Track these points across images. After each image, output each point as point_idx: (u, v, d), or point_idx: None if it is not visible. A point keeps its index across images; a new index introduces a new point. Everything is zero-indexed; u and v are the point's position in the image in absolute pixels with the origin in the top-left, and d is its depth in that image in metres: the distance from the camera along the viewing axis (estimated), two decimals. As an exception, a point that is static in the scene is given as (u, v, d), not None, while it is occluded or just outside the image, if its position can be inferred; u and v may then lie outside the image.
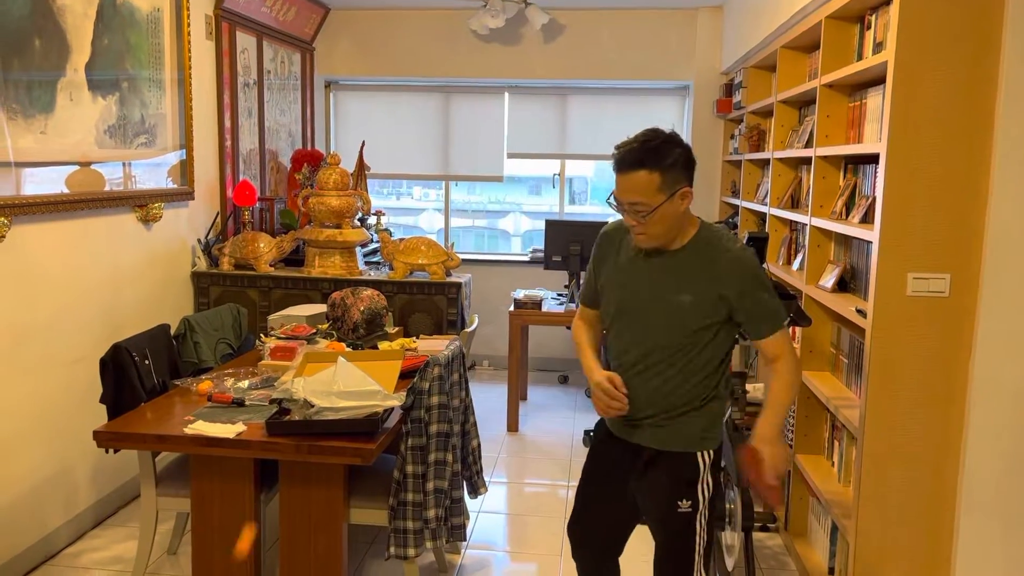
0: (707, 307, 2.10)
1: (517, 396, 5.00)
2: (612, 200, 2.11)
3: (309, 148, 5.77)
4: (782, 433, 2.10)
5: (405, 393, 2.78)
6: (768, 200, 4.09)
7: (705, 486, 2.16)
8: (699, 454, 2.16)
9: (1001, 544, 2.46)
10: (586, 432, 4.80)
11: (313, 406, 2.63)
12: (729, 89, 5.52)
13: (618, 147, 2.07)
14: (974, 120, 2.38)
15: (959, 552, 2.48)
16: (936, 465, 2.52)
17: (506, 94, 6.24)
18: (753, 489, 2.17)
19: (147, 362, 3.08)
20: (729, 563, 3.04)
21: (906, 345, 2.49)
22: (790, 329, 3.70)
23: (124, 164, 3.68)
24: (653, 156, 2.02)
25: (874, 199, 2.65)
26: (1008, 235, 2.36)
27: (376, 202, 5.55)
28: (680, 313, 2.11)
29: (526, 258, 6.35)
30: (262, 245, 4.54)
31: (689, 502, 2.15)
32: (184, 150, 4.16)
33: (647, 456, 2.20)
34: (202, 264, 4.47)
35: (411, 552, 2.79)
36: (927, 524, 2.56)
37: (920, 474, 2.54)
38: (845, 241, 3.15)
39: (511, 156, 6.31)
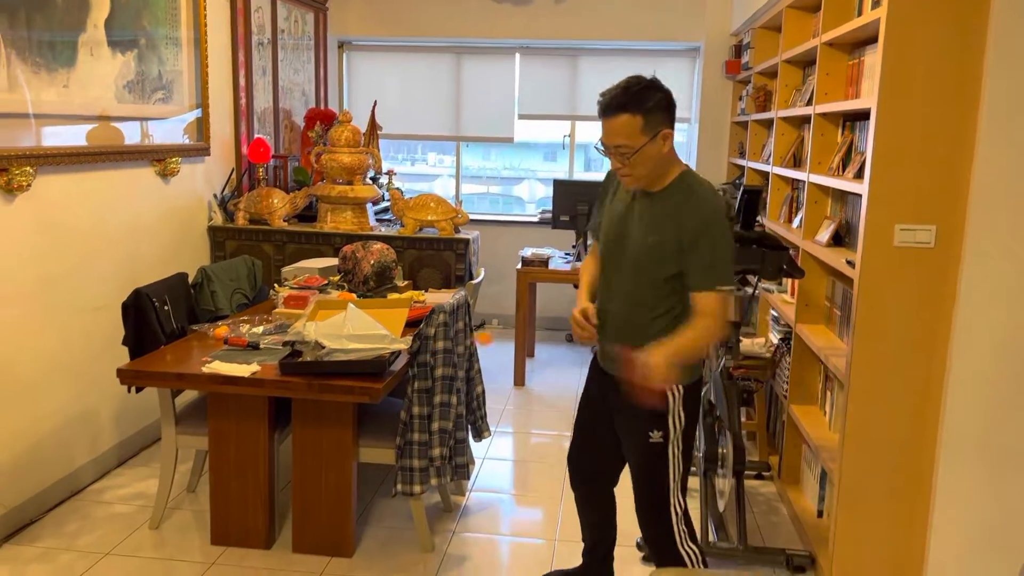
0: (667, 249, 2.21)
1: (524, 352, 5.12)
2: (599, 145, 2.23)
3: (323, 108, 5.87)
4: (665, 359, 2.11)
5: (412, 338, 2.91)
6: (771, 159, 4.16)
7: (676, 418, 2.28)
8: (669, 389, 2.27)
9: (979, 484, 2.57)
10: (590, 386, 4.93)
11: (324, 348, 2.76)
12: (738, 50, 5.55)
13: (603, 94, 2.20)
14: (962, 76, 2.44)
15: (938, 491, 2.59)
16: (918, 409, 2.63)
17: (517, 55, 6.30)
18: (627, 386, 2.20)
19: (166, 308, 3.22)
20: (721, 505, 3.17)
21: (892, 294, 2.58)
22: (789, 282, 3.80)
23: (142, 119, 3.80)
24: (635, 100, 2.14)
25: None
26: (992, 188, 2.44)
27: (391, 167, 5.66)
28: (646, 253, 2.23)
29: (535, 219, 6.44)
30: (276, 201, 4.66)
31: (660, 432, 2.28)
32: (200, 107, 4.27)
33: (623, 387, 2.34)
34: (218, 218, 4.60)
35: (417, 489, 2.94)
36: (909, 466, 2.67)
37: (903, 418, 2.65)
38: (841, 197, 3.24)
39: (522, 117, 6.38)
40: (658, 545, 2.40)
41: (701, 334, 2.20)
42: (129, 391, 3.18)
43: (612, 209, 2.39)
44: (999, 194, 2.44)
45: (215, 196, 4.60)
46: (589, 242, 2.60)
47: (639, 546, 3.07)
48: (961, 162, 2.48)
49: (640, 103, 2.14)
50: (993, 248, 2.47)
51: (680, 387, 2.30)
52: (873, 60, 2.89)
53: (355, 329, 2.81)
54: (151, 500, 3.37)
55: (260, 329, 3.19)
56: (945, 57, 2.45)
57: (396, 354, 2.89)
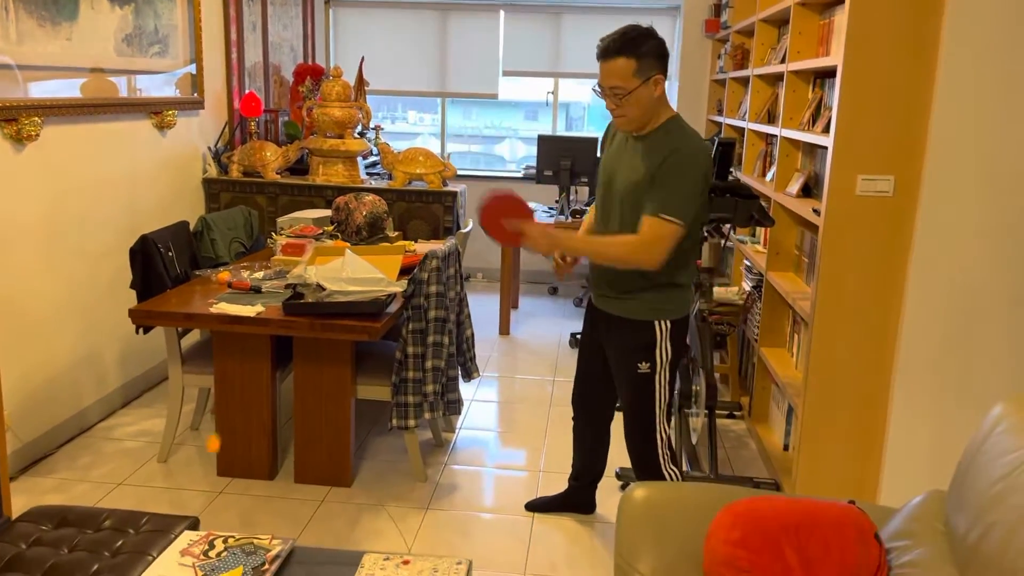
0: (641, 186, 2.38)
1: (509, 303, 5.32)
2: (596, 87, 2.40)
3: (311, 63, 5.96)
4: (557, 243, 2.40)
5: (407, 282, 3.09)
6: (747, 116, 4.34)
7: (663, 351, 2.50)
8: (656, 323, 2.48)
9: (929, 410, 2.81)
10: (572, 335, 5.15)
11: (324, 289, 2.94)
12: (717, 9, 5.69)
13: (602, 39, 2.37)
14: (922, 36, 2.63)
15: (892, 419, 2.83)
16: (876, 345, 2.86)
17: (501, 12, 6.39)
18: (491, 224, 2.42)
19: (170, 254, 3.38)
20: (694, 439, 3.41)
21: (853, 239, 2.79)
22: (762, 232, 4.01)
23: (140, 73, 3.90)
24: (630, 45, 2.31)
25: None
26: (948, 141, 2.64)
27: (377, 123, 5.78)
28: (629, 192, 2.41)
29: (519, 174, 6.60)
30: (269, 154, 4.78)
31: (648, 364, 2.50)
32: (194, 62, 4.37)
33: (614, 323, 2.55)
34: (213, 171, 4.72)
35: (411, 423, 3.15)
36: (866, 397, 2.91)
37: (861, 353, 2.88)
38: (811, 151, 3.43)
39: (506, 74, 6.50)
40: (643, 465, 2.62)
41: (618, 250, 2.37)
42: (137, 331, 3.34)
43: (607, 155, 2.57)
44: (953, 147, 2.64)
45: (209, 149, 4.72)
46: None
47: (618, 476, 3.31)
48: (919, 117, 2.68)
49: (635, 48, 2.31)
50: (946, 197, 2.68)
51: (668, 322, 2.50)
52: (842, 20, 3.06)
53: (353, 273, 2.98)
54: (157, 437, 3.56)
55: (260, 274, 3.36)
56: (906, 18, 2.63)
57: (392, 296, 3.07)
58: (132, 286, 3.28)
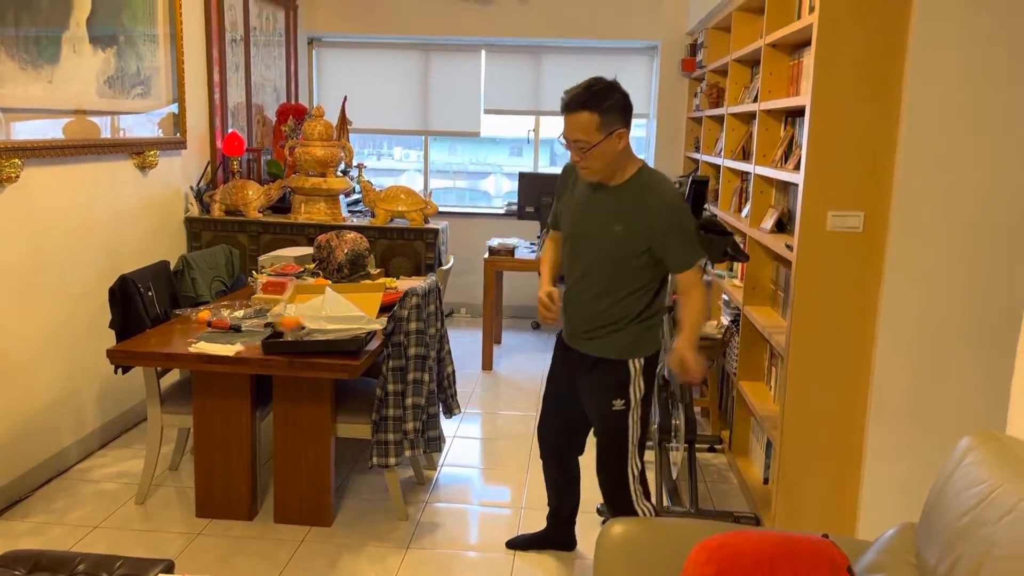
0: (633, 238, 2.45)
1: (492, 338, 5.34)
2: (561, 139, 2.45)
3: (293, 103, 6.02)
4: (692, 348, 2.50)
5: (386, 320, 3.11)
6: (723, 153, 4.42)
7: (636, 388, 2.53)
8: (631, 361, 2.52)
9: (904, 444, 2.84)
10: (555, 370, 5.16)
11: (304, 328, 2.95)
12: (693, 49, 5.82)
13: (566, 92, 2.42)
14: (887, 75, 2.70)
15: (868, 452, 2.86)
16: (850, 379, 2.89)
17: (483, 52, 6.50)
18: (683, 381, 2.58)
19: (150, 293, 3.38)
20: (674, 473, 3.42)
21: (825, 274, 2.84)
22: (739, 267, 4.06)
23: (122, 114, 3.94)
24: (594, 99, 2.36)
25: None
26: (914, 177, 2.70)
27: (360, 161, 5.83)
28: (611, 241, 2.46)
29: (502, 211, 6.66)
30: (251, 192, 4.81)
31: (623, 401, 2.52)
32: (176, 102, 4.42)
33: (588, 363, 2.58)
34: (195, 210, 4.75)
35: (391, 461, 3.14)
36: (843, 429, 2.93)
37: (836, 387, 2.91)
38: (784, 187, 3.49)
39: (488, 112, 6.59)
40: (615, 502, 2.63)
41: (701, 305, 2.53)
42: (116, 371, 3.33)
43: (573, 201, 2.61)
44: (919, 183, 2.71)
45: (191, 188, 4.74)
46: (547, 231, 2.87)
47: (599, 511, 3.31)
48: (886, 154, 2.74)
49: (598, 102, 2.36)
50: (914, 232, 2.73)
51: (641, 359, 2.53)
52: (810, 61, 3.14)
53: (333, 311, 3.00)
54: (135, 478, 3.53)
55: (240, 313, 3.37)
56: (871, 59, 2.70)
57: (372, 334, 3.08)
58: (111, 326, 3.28)
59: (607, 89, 2.38)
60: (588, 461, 2.92)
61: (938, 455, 2.84)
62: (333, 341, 2.93)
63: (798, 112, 3.33)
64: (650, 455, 3.67)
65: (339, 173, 5.25)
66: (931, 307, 2.77)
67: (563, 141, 2.46)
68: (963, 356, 2.79)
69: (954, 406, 2.82)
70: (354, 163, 5.49)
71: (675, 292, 3.71)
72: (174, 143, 4.43)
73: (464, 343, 5.78)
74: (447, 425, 4.25)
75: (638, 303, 2.50)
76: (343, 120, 5.28)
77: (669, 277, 3.40)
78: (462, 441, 4.12)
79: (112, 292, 3.25)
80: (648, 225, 2.43)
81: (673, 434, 3.35)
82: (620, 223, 2.45)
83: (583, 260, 2.55)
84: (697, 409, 4.35)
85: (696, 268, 2.50)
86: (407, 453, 3.16)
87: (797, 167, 3.12)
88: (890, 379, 2.82)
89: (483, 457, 3.94)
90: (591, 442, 2.81)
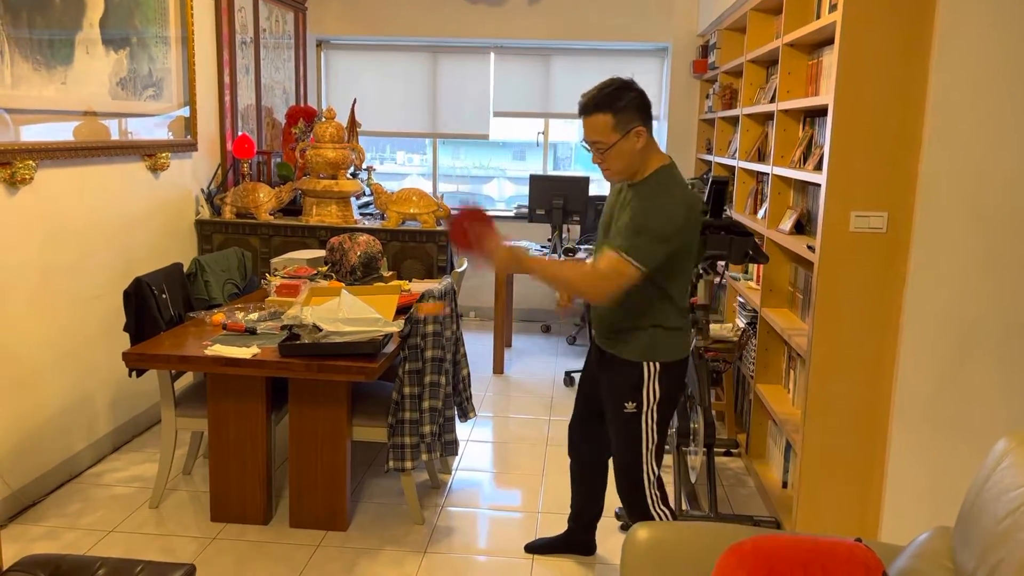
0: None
1: (503, 342, 5.31)
2: (584, 143, 2.43)
3: (303, 105, 6.00)
4: (517, 261, 2.31)
5: (403, 322, 3.08)
6: (737, 154, 4.39)
7: (651, 392, 2.48)
8: (645, 364, 2.47)
9: (928, 447, 2.81)
10: (567, 373, 5.13)
11: (321, 330, 2.93)
12: (705, 50, 5.79)
13: (583, 95, 2.40)
14: (911, 73, 2.67)
15: (892, 456, 2.82)
16: (873, 382, 2.86)
17: (492, 54, 6.47)
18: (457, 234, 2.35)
19: (164, 296, 3.36)
20: (693, 477, 3.39)
21: (848, 275, 2.81)
22: (755, 269, 4.03)
23: (134, 116, 3.92)
24: (608, 100, 2.34)
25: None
26: (938, 177, 2.67)
27: (369, 164, 5.81)
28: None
29: (511, 213, 6.63)
30: (262, 195, 4.79)
31: (634, 404, 2.49)
32: (188, 104, 4.40)
33: (606, 361, 2.56)
34: (205, 212, 4.72)
35: (408, 465, 3.11)
36: (865, 433, 2.90)
37: (859, 390, 2.88)
38: (802, 188, 3.46)
39: (497, 115, 6.56)
40: (632, 506, 2.60)
41: (571, 275, 2.33)
42: (130, 375, 3.31)
43: (608, 202, 2.60)
44: (944, 183, 2.68)
45: (202, 191, 4.72)
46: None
47: (618, 516, 3.27)
48: (910, 154, 2.71)
49: (612, 103, 2.34)
50: (939, 231, 2.70)
51: (657, 364, 2.50)
52: (831, 60, 3.12)
53: (350, 313, 2.97)
54: (149, 483, 3.50)
55: (255, 316, 3.34)
56: (895, 57, 2.68)
57: (389, 336, 3.05)
58: (126, 329, 3.26)
59: (621, 88, 2.36)
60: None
61: (964, 458, 2.80)
62: (351, 343, 2.90)
63: (818, 112, 3.30)
64: (668, 459, 3.64)
65: (349, 175, 5.23)
66: (956, 309, 2.74)
67: (585, 145, 2.44)
68: (989, 358, 2.76)
69: (979, 409, 2.79)
70: (364, 166, 5.47)
71: (692, 295, 3.69)
72: (185, 145, 4.41)
73: (474, 346, 5.75)
74: (461, 429, 4.22)
75: (647, 303, 2.44)
76: (352, 122, 5.26)
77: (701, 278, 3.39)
78: (475, 445, 4.08)
79: (127, 295, 3.22)
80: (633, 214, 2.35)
81: (692, 438, 3.32)
82: (624, 220, 2.42)
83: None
84: (713, 413, 4.31)
85: (616, 258, 2.29)
86: (424, 457, 3.13)
87: (817, 167, 3.09)
88: (914, 381, 2.79)
89: (496, 461, 3.91)
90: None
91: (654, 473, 2.58)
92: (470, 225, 2.33)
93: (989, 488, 1.72)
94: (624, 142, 2.37)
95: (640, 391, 2.50)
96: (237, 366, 2.91)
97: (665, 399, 2.53)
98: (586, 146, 2.44)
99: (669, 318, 2.48)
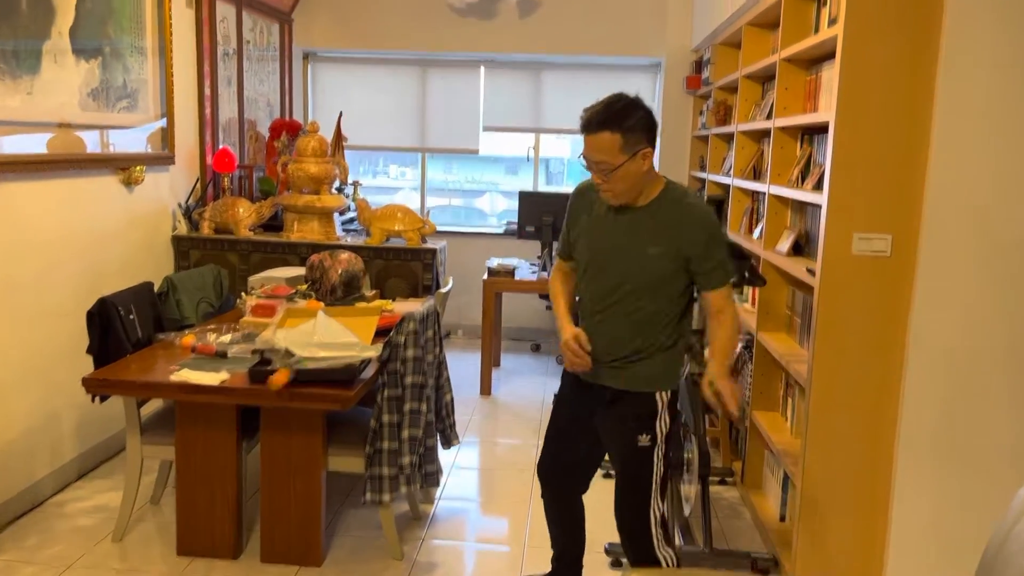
0: (670, 258, 2.28)
1: (491, 361, 5.15)
2: (583, 159, 2.27)
3: (287, 118, 5.86)
4: (726, 374, 2.30)
5: (382, 346, 2.92)
6: (732, 172, 4.26)
7: (663, 422, 2.34)
8: (657, 394, 2.34)
9: (934, 483, 2.66)
10: (555, 395, 4.97)
11: (294, 356, 2.77)
12: (698, 66, 5.68)
13: (586, 110, 2.24)
14: (916, 90, 2.55)
15: (896, 492, 2.67)
16: (877, 413, 2.71)
17: (482, 68, 6.35)
18: (720, 412, 2.40)
19: (132, 316, 3.19)
20: (687, 510, 3.23)
21: (850, 301, 2.67)
22: (750, 291, 3.90)
23: (106, 128, 3.77)
24: (616, 118, 2.18)
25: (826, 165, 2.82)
26: (945, 198, 2.54)
27: (355, 179, 5.68)
28: (646, 264, 2.28)
29: (500, 230, 6.49)
30: (241, 210, 4.64)
31: (648, 436, 2.34)
32: (165, 116, 4.25)
33: (610, 395, 2.38)
34: (183, 228, 4.57)
35: (386, 497, 2.95)
36: (868, 466, 2.75)
37: (862, 422, 2.73)
38: (801, 208, 3.33)
39: (487, 129, 6.43)
40: (635, 546, 2.44)
41: (736, 327, 2.34)
42: (93, 400, 3.14)
43: (593, 226, 2.40)
44: (951, 204, 2.55)
45: (180, 205, 4.56)
46: (555, 262, 2.63)
47: (607, 551, 3.11)
48: (915, 173, 2.58)
49: (620, 121, 2.18)
50: (945, 256, 2.57)
51: (668, 392, 2.36)
52: (830, 76, 2.99)
53: (325, 337, 2.82)
54: (114, 513, 3.32)
55: (227, 338, 3.18)
56: (899, 73, 2.55)
57: (366, 361, 2.90)
58: (89, 351, 3.09)
59: (630, 107, 2.21)
60: (593, 498, 2.74)
61: (974, 494, 2.66)
62: (325, 370, 2.74)
63: (816, 129, 3.17)
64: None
65: (334, 190, 5.09)
66: (963, 335, 2.60)
67: (584, 162, 2.28)
68: (998, 387, 2.62)
69: (989, 441, 2.64)
70: (349, 180, 5.33)
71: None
72: (162, 159, 4.26)
73: (461, 366, 5.59)
74: (445, 455, 4.05)
75: (665, 329, 2.32)
76: (338, 136, 5.12)
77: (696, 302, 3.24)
78: (460, 472, 3.92)
79: (90, 315, 3.06)
80: (690, 242, 2.27)
81: (686, 468, 3.16)
82: (656, 244, 2.27)
83: (608, 286, 2.35)
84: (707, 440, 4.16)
85: (728, 288, 2.33)
86: (403, 489, 2.97)
87: (817, 187, 2.96)
88: (920, 412, 2.64)
89: (482, 489, 3.74)
90: (596, 478, 2.62)
91: (660, 510, 2.42)
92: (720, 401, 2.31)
93: (1013, 539, 1.57)
94: (631, 164, 2.22)
95: (654, 423, 2.36)
96: (204, 393, 2.74)
97: (673, 429, 2.40)
98: (584, 162, 2.29)
99: (681, 339, 2.40)
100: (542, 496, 2.70)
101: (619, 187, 2.26)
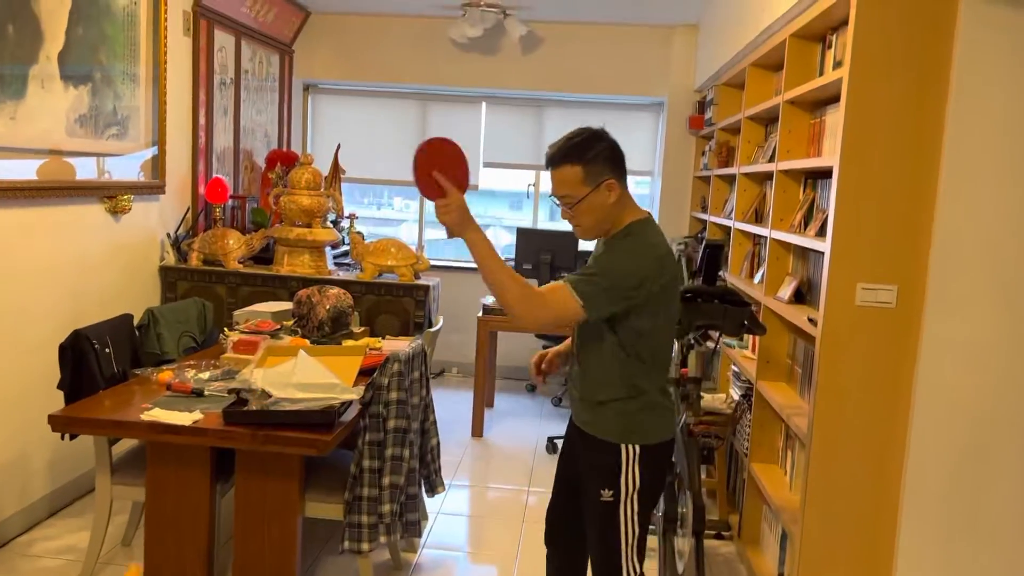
0: None
1: (483, 401, 5.02)
2: (553, 197, 2.21)
3: (285, 149, 5.79)
4: (463, 223, 2.13)
5: (364, 388, 2.80)
6: (733, 214, 4.17)
7: (629, 479, 2.19)
8: (623, 447, 2.20)
9: (941, 548, 2.52)
10: (550, 439, 4.83)
11: (271, 396, 2.65)
12: (702, 106, 5.62)
13: (550, 146, 2.19)
14: (923, 136, 2.45)
15: (900, 555, 2.53)
16: (880, 471, 2.58)
17: (483, 104, 6.31)
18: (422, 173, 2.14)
19: (108, 350, 3.08)
20: (680, 567, 3.08)
21: (854, 353, 2.55)
22: (750, 339, 3.78)
23: (94, 155, 3.69)
24: (576, 151, 2.13)
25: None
26: (953, 248, 2.44)
27: (356, 211, 5.61)
28: None
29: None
30: (231, 242, 4.55)
31: (611, 492, 2.20)
32: (156, 144, 4.17)
33: (584, 441, 2.29)
34: (171, 258, 4.47)
35: (365, 546, 2.81)
36: (870, 528, 2.61)
37: (865, 479, 2.60)
38: (803, 254, 3.23)
39: (487, 165, 6.37)
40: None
41: (509, 282, 2.07)
42: (63, 438, 3.01)
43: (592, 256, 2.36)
44: (959, 255, 2.44)
45: (168, 235, 4.47)
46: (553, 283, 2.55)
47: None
48: (922, 222, 2.48)
49: (582, 154, 2.13)
50: (953, 308, 2.46)
51: (636, 447, 2.23)
52: (835, 119, 2.91)
53: (304, 377, 2.70)
54: (82, 554, 3.18)
55: (206, 375, 3.06)
56: (906, 116, 2.46)
57: (347, 404, 2.77)
58: (60, 386, 2.97)
59: (591, 139, 2.15)
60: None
61: (983, 560, 2.51)
62: (302, 412, 2.62)
63: (820, 174, 3.08)
64: (652, 541, 3.32)
65: (329, 224, 5.00)
66: (973, 391, 2.48)
67: (555, 200, 2.22)
68: (1010, 447, 2.49)
69: (999, 503, 2.51)
70: (346, 213, 5.24)
71: (683, 365, 3.42)
72: (151, 187, 4.17)
73: (453, 406, 5.45)
74: (431, 500, 3.90)
75: (617, 373, 2.19)
76: (336, 169, 5.05)
77: (675, 347, 3.12)
78: (446, 518, 3.77)
79: (63, 349, 2.95)
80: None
81: (680, 523, 3.02)
82: None
83: (580, 327, 2.29)
84: (703, 492, 4.01)
85: (559, 286, 2.08)
86: (382, 539, 2.83)
87: (820, 233, 2.86)
88: (926, 472, 2.51)
89: (469, 538, 3.60)
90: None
91: (635, 571, 2.28)
92: (442, 163, 2.09)
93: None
94: (594, 196, 2.15)
95: (618, 477, 2.22)
96: (175, 434, 2.62)
97: (646, 487, 2.24)
98: (556, 201, 2.22)
99: (649, 392, 2.22)
100: (546, 543, 2.59)
101: (586, 221, 2.19)
